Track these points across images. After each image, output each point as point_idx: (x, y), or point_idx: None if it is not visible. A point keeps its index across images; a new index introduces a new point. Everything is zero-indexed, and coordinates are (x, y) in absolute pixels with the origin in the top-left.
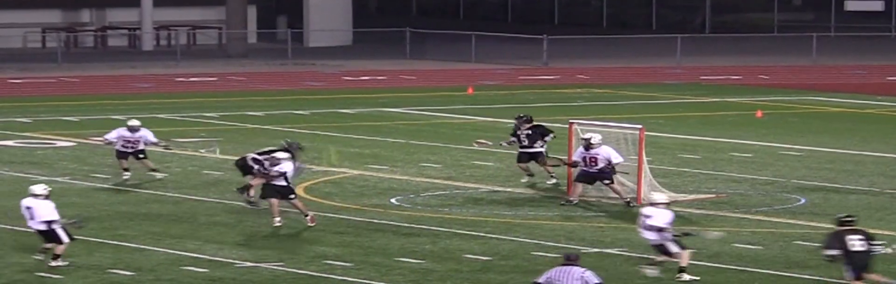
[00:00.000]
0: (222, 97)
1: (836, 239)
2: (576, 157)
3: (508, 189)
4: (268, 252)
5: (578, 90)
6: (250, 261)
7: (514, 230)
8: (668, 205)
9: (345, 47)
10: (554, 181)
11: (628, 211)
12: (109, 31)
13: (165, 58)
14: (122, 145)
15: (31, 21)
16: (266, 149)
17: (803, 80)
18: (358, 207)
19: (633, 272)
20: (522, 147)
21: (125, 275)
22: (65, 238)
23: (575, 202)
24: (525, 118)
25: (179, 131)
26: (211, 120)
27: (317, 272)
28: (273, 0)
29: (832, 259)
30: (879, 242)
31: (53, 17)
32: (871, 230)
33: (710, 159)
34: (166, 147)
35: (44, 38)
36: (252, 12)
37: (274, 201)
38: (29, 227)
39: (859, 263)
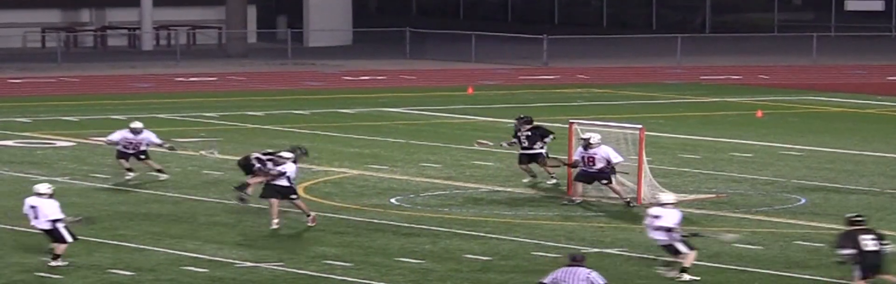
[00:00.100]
0: (222, 97)
1: (849, 239)
2: (575, 156)
3: (508, 189)
4: (268, 252)
5: (578, 90)
6: (250, 261)
7: (514, 230)
8: (675, 205)
9: (345, 47)
10: (554, 181)
11: (628, 211)
12: (109, 31)
13: (165, 58)
14: (124, 147)
15: (30, 21)
16: (271, 150)
17: (803, 80)
18: (358, 207)
19: (633, 272)
20: (522, 148)
21: (125, 275)
22: (68, 238)
23: (578, 201)
24: (525, 119)
25: (179, 131)
26: (211, 120)
27: (317, 272)
28: (273, 0)
29: (851, 258)
30: (886, 241)
31: (53, 16)
32: None
33: (711, 159)
34: (171, 148)
35: (43, 37)
36: (252, 12)
37: (274, 201)
38: (32, 227)
39: (871, 263)
